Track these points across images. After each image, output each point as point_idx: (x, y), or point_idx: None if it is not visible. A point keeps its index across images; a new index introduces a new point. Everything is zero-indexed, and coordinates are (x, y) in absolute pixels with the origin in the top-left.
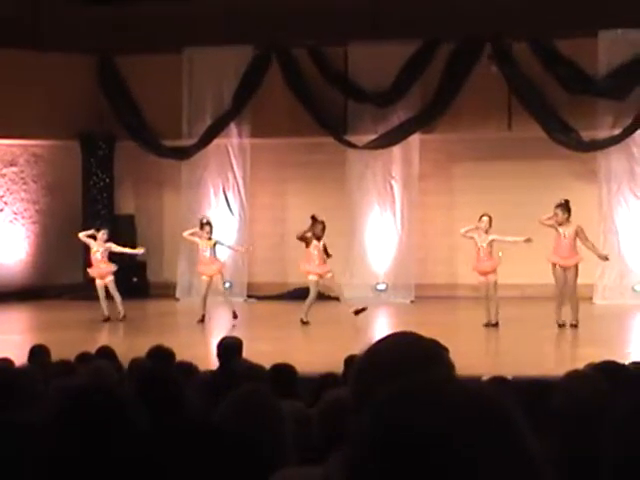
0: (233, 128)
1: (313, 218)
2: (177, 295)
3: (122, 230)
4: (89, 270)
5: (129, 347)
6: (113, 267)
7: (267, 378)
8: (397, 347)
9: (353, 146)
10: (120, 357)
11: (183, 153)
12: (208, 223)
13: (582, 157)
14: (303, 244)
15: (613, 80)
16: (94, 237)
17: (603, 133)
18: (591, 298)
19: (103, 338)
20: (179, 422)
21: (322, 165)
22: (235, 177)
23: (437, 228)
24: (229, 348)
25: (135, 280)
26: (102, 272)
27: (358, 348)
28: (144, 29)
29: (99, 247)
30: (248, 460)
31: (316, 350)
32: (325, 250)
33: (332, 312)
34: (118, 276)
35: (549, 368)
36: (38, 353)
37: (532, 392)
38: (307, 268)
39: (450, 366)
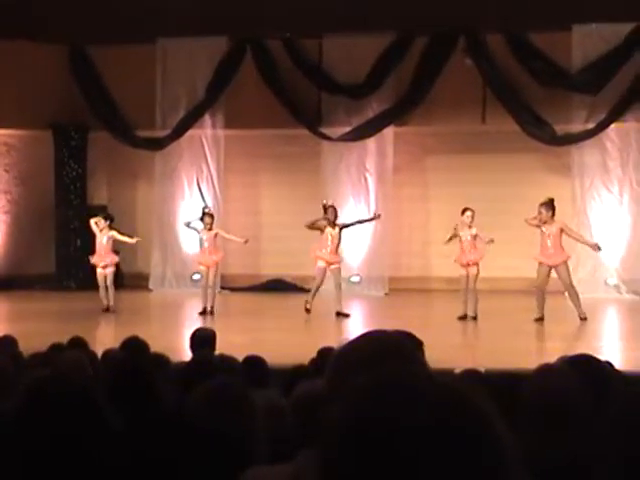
0: (207, 119)
1: (324, 207)
2: (150, 286)
3: None
4: (91, 258)
5: (102, 338)
6: (115, 258)
7: (240, 370)
8: (372, 344)
9: (327, 138)
10: (93, 348)
11: (157, 144)
12: (210, 214)
13: (556, 151)
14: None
15: (587, 74)
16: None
17: (577, 127)
18: (563, 292)
19: (75, 329)
20: (152, 415)
21: (296, 157)
22: (209, 168)
23: (411, 221)
24: (202, 339)
25: None
26: (105, 262)
27: (331, 339)
28: (118, 19)
29: (103, 236)
30: (220, 453)
31: (289, 341)
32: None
33: (304, 303)
34: (91, 266)
35: (522, 361)
36: (5, 344)
37: (504, 385)
38: (317, 253)
39: (423, 363)
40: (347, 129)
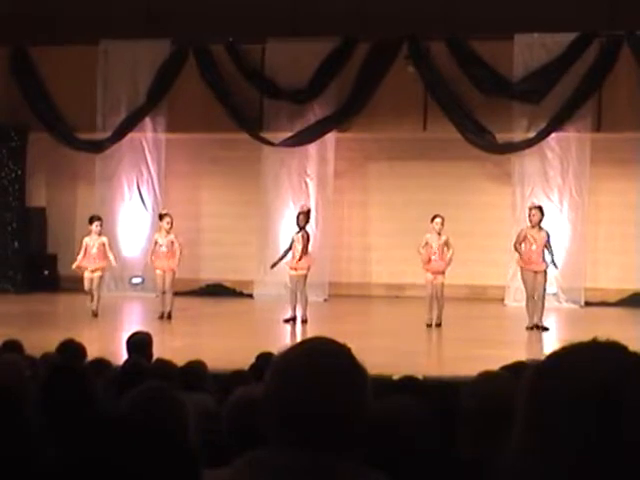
0: (148, 122)
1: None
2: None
3: (33, 222)
4: (79, 260)
5: (39, 341)
6: (105, 264)
7: (176, 374)
8: (311, 350)
9: (269, 143)
10: (30, 351)
11: (97, 146)
12: (169, 215)
13: (497, 159)
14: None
15: (528, 83)
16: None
17: (518, 136)
18: (503, 300)
19: (12, 332)
20: (86, 416)
21: (237, 161)
22: (149, 172)
23: (352, 226)
24: (138, 343)
25: (46, 273)
26: (94, 266)
27: (271, 345)
28: (60, 20)
29: (95, 241)
30: (151, 454)
31: (227, 346)
32: (304, 239)
33: (243, 308)
34: (29, 269)
35: (462, 368)
36: None
37: (443, 392)
38: (289, 262)
39: (361, 370)
40: (289, 134)
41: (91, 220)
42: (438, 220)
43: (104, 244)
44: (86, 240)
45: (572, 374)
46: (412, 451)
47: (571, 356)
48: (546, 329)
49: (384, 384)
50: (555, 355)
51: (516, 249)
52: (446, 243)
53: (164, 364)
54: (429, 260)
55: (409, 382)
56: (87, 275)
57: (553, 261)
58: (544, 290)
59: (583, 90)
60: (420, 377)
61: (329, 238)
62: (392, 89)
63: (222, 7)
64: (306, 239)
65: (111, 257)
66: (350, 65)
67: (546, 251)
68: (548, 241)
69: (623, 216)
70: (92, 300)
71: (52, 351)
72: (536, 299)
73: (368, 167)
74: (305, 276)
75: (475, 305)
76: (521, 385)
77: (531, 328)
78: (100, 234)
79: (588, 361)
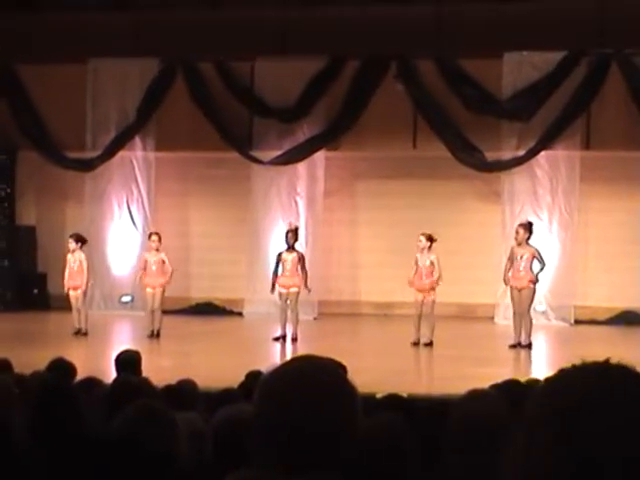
0: (138, 141)
1: (287, 231)
2: None
3: (23, 241)
4: (65, 281)
5: (28, 359)
6: (85, 281)
7: (162, 393)
8: (300, 369)
9: (258, 161)
10: (19, 369)
11: (87, 165)
12: (156, 233)
13: (486, 177)
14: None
15: (517, 102)
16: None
17: (507, 154)
18: (492, 318)
19: (1, 350)
20: (77, 435)
21: (227, 180)
22: (139, 190)
23: (341, 245)
24: (127, 361)
25: (36, 292)
26: (76, 284)
27: (261, 363)
28: (49, 38)
29: (75, 259)
30: (144, 472)
31: (216, 364)
32: (301, 261)
33: (233, 326)
34: (19, 287)
35: (449, 387)
36: None
37: (429, 410)
38: (278, 279)
39: (351, 389)
40: (278, 153)
41: (77, 240)
42: (421, 238)
43: (81, 261)
44: (68, 257)
45: (574, 393)
46: (399, 469)
47: (576, 377)
48: (523, 346)
49: (369, 402)
50: (563, 372)
51: (505, 270)
52: (432, 263)
53: (149, 382)
54: (412, 281)
55: (395, 400)
56: (72, 293)
57: (537, 274)
58: (529, 308)
59: (572, 108)
60: (405, 395)
61: (318, 256)
62: (381, 107)
63: (211, 25)
64: (297, 259)
65: (84, 278)
66: (339, 83)
67: (536, 264)
68: (538, 256)
69: (612, 234)
70: (78, 319)
71: (42, 369)
72: (521, 317)
73: (357, 186)
74: (297, 294)
75: (465, 323)
76: (529, 401)
77: (514, 346)
78: (74, 251)
79: (592, 381)
